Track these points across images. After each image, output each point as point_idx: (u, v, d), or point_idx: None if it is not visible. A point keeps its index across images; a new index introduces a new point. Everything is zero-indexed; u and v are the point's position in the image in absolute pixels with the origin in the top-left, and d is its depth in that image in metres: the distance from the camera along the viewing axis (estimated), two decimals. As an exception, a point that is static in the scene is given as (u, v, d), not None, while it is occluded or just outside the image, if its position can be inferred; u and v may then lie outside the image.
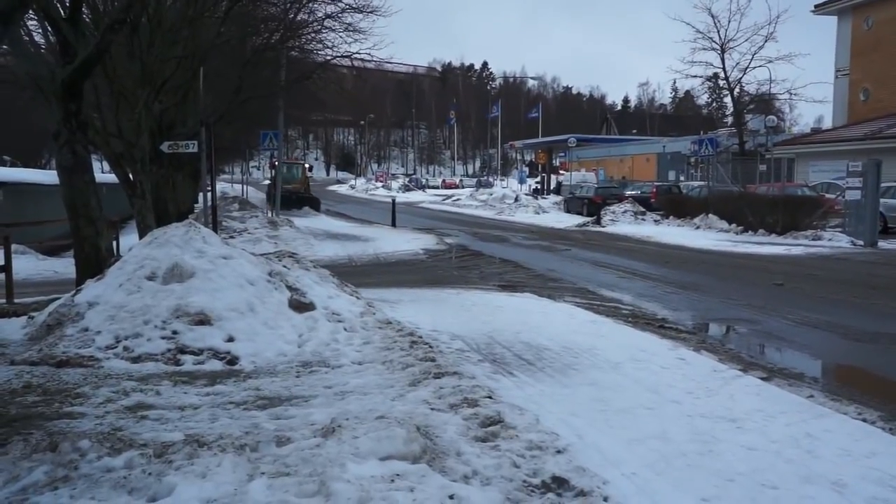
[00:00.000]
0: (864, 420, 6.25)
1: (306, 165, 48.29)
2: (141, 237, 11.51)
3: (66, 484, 4.41)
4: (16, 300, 11.45)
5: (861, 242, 21.32)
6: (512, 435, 5.28)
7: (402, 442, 4.82)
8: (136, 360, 7.42)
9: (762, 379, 7.43)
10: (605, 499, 4.42)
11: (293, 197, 38.75)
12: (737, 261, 18.72)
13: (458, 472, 4.65)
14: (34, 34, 14.31)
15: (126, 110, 14.45)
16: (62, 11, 11.82)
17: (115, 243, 15.29)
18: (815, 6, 40.32)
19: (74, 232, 11.35)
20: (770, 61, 39.14)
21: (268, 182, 46.13)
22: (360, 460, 4.62)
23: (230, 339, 7.85)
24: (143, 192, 14.63)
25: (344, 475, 4.38)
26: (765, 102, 42.71)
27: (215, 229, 16.96)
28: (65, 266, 15.49)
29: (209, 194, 19.20)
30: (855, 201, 22.19)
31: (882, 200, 22.80)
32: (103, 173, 25.25)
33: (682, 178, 49.39)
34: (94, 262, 10.90)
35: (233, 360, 7.53)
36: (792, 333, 10.01)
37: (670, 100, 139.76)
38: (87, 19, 13.00)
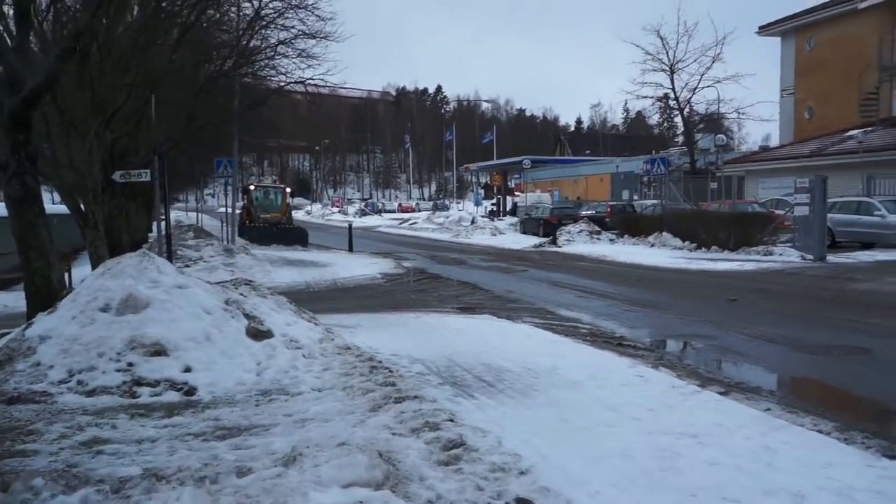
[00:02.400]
0: (820, 431, 6.35)
1: (287, 190, 37.76)
2: (94, 268, 11.31)
3: (18, 524, 4.31)
4: (-36, 336, 11.17)
5: (811, 257, 21.70)
6: (475, 457, 5.27)
7: (365, 468, 4.79)
8: (90, 393, 7.28)
9: (720, 394, 7.51)
10: (570, 519, 4.42)
11: (273, 229, 32.86)
12: (691, 277, 18.94)
13: (421, 497, 4.63)
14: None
15: (77, 140, 14.25)
16: (9, 41, 11.66)
17: (67, 275, 15.00)
18: (760, 28, 41.28)
19: (24, 265, 11.12)
20: (718, 81, 40.19)
21: (238, 210, 36.54)
22: (322, 489, 4.58)
23: (187, 370, 7.74)
24: (95, 223, 14.42)
25: (306, 504, 4.34)
26: (714, 121, 43.64)
27: (170, 258, 16.78)
28: (14, 300, 15.17)
29: (163, 223, 19.00)
30: (803, 217, 22.60)
31: (829, 216, 23.21)
32: (54, 204, 24.83)
33: (635, 197, 49.93)
34: (45, 295, 10.68)
35: (191, 391, 7.42)
36: (747, 348, 10.13)
37: (622, 120, 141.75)
38: (35, 48, 12.81)
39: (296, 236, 32.52)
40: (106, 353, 7.77)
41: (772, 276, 18.73)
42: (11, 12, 12.03)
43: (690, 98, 40.94)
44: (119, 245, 16.53)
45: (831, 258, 21.64)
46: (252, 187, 35.24)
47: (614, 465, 5.44)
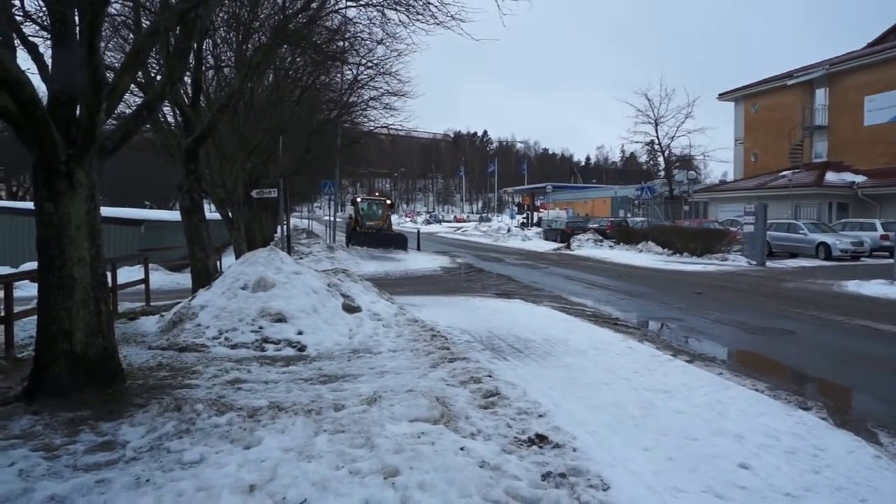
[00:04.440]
0: (756, 390, 6.24)
1: (388, 201, 32.68)
2: (237, 258, 11.61)
3: (187, 434, 4.47)
4: (151, 303, 11.54)
5: (755, 262, 21.25)
6: (506, 404, 5.28)
7: (426, 408, 4.83)
8: (233, 347, 7.46)
9: (687, 361, 7.39)
10: (574, 449, 4.42)
11: (377, 234, 28.91)
12: (668, 275, 18.62)
13: (466, 430, 4.66)
14: (167, 116, 14.56)
15: (227, 168, 14.61)
16: (186, 100, 12.05)
17: (218, 263, 15.37)
18: (719, 94, 40.87)
19: (191, 255, 11.47)
20: (690, 132, 40.54)
21: (347, 220, 33.82)
22: (395, 422, 4.63)
23: (300, 333, 7.87)
24: (238, 226, 14.76)
25: (383, 432, 4.40)
26: (686, 161, 43.09)
27: (289, 252, 17.07)
28: (184, 279, 15.60)
29: (285, 227, 19.32)
30: (750, 233, 22.24)
31: (768, 233, 22.86)
32: (211, 213, 25.43)
33: (629, 215, 49.10)
34: (204, 277, 10.99)
35: (302, 348, 7.55)
36: (708, 328, 9.94)
37: (620, 158, 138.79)
38: (203, 104, 13.20)
39: (397, 241, 28.36)
40: (244, 319, 7.95)
41: (727, 276, 18.31)
42: (189, 81, 12.45)
43: (670, 143, 40.67)
44: (254, 242, 16.89)
45: (769, 264, 21.12)
46: (359, 199, 31.61)
47: (608, 412, 5.42)
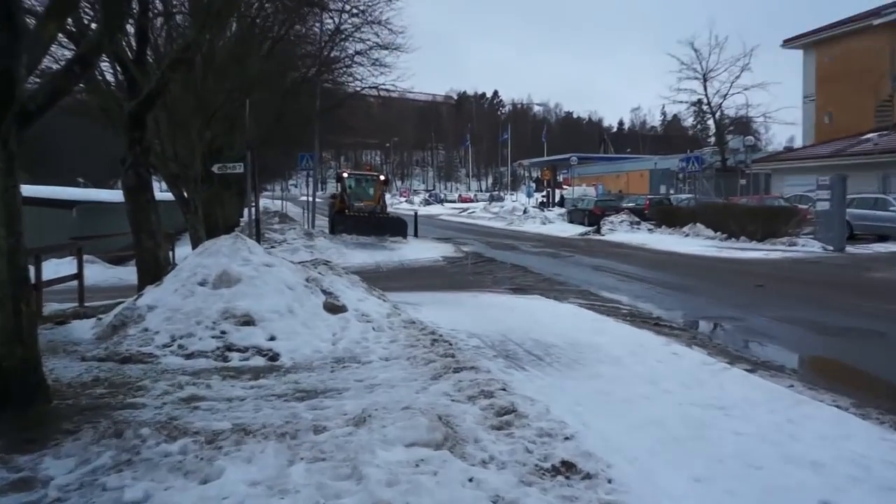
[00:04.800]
0: (839, 407, 6.16)
1: (381, 177, 31.25)
2: (194, 248, 11.52)
3: (129, 467, 4.40)
4: (86, 304, 11.49)
5: (831, 247, 21.10)
6: (524, 423, 5.21)
7: (426, 430, 4.78)
8: (189, 356, 7.41)
9: (747, 371, 7.34)
10: (609, 481, 4.35)
11: (369, 219, 27.69)
12: (722, 265, 18.55)
13: (476, 457, 4.59)
14: (106, 73, 14.45)
15: (182, 137, 14.52)
16: (129, 53, 11.95)
17: (171, 253, 15.32)
18: (784, 41, 40.29)
19: (136, 244, 11.42)
20: (746, 88, 39.63)
21: (330, 199, 32.98)
22: (388, 447, 4.57)
23: (272, 338, 7.82)
24: (195, 209, 14.69)
25: (374, 460, 4.34)
26: (743, 124, 42.81)
27: (258, 240, 16.99)
28: (128, 274, 15.56)
29: (253, 209, 19.27)
30: (824, 211, 22.06)
31: (848, 210, 22.60)
32: (161, 192, 25.37)
33: (671, 192, 49.02)
34: (153, 270, 10.94)
35: (274, 357, 7.50)
36: (772, 329, 9.88)
37: (660, 122, 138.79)
38: (151, 59, 13.08)
39: (393, 227, 27.11)
40: (203, 322, 7.90)
41: (795, 264, 18.24)
42: (132, 30, 12.33)
43: (721, 103, 40.38)
44: (215, 228, 16.85)
45: (850, 249, 20.99)
46: (345, 174, 30.61)
47: (650, 434, 5.35)
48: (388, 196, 31.36)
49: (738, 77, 38.32)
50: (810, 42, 38.80)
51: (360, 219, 27.50)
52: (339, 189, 30.38)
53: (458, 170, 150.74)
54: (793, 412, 5.87)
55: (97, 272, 16.67)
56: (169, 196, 17.11)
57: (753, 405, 6.05)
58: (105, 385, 6.43)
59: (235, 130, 20.00)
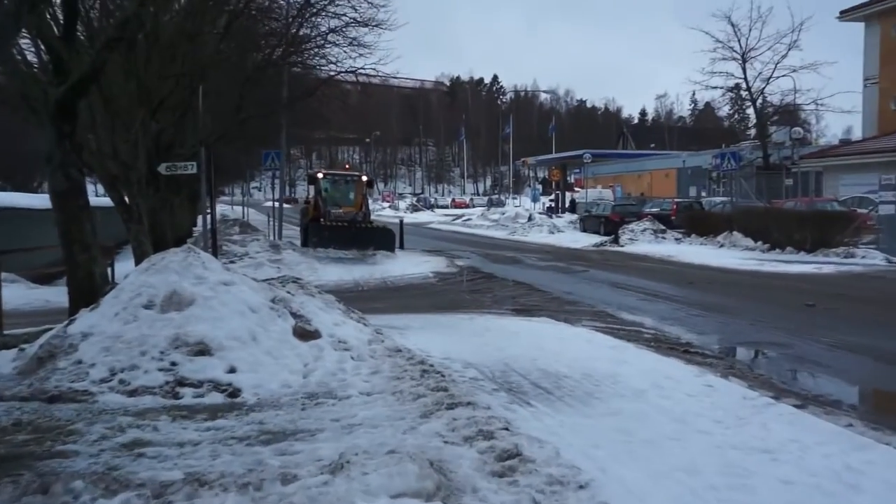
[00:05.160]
0: (908, 451, 6.17)
1: (364, 178, 30.40)
2: (137, 263, 11.49)
3: (58, 528, 4.37)
4: (5, 332, 11.40)
5: (896, 259, 21.17)
6: (531, 469, 5.21)
7: (415, 478, 4.76)
8: (132, 393, 7.36)
9: (796, 407, 7.36)
10: (633, 538, 4.35)
11: (350, 229, 26.54)
12: (764, 280, 18.61)
13: (474, 510, 4.59)
14: (27, 53, 14.39)
15: (122, 131, 14.50)
16: (56, 29, 11.88)
17: (110, 270, 15.26)
18: (841, 12, 40.24)
19: (67, 259, 11.33)
20: (794, 70, 39.04)
21: (302, 205, 32.22)
22: (370, 498, 4.56)
23: (232, 370, 7.79)
24: (139, 216, 14.65)
25: (353, 515, 4.33)
26: (789, 113, 42.61)
27: (215, 254, 17.00)
28: (57, 295, 15.46)
29: (209, 217, 19.26)
30: (889, 216, 22.07)
31: (919, 215, 22.58)
32: (98, 197, 25.35)
33: (703, 194, 49.28)
34: (88, 291, 10.87)
35: (235, 393, 7.47)
36: (826, 357, 9.90)
37: (689, 112, 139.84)
38: (82, 37, 13.05)
39: (380, 238, 26.29)
40: (149, 352, 7.85)
41: (853, 279, 18.30)
42: (59, 0, 12.27)
43: (764, 88, 40.14)
44: (163, 240, 16.79)
45: (920, 262, 21.09)
46: (320, 175, 29.89)
47: (680, 482, 5.35)
48: (368, 201, 30.62)
49: (784, 56, 38.16)
50: (874, 12, 38.42)
51: (339, 229, 26.47)
52: (314, 193, 29.64)
53: (451, 170, 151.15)
54: (852, 457, 5.87)
55: (18, 293, 16.56)
56: (107, 202, 17.07)
57: (804, 448, 6.05)
58: (28, 430, 6.36)
59: (187, 123, 19.98)
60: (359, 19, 20.36)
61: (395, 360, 8.59)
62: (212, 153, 17.87)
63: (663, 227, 31.17)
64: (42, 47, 13.00)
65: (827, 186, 37.01)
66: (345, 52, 21.95)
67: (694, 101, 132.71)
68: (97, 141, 14.59)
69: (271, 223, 32.96)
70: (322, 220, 27.19)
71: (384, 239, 26.31)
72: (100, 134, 14.63)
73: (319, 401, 7.25)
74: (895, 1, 37.30)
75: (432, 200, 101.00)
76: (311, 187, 30.78)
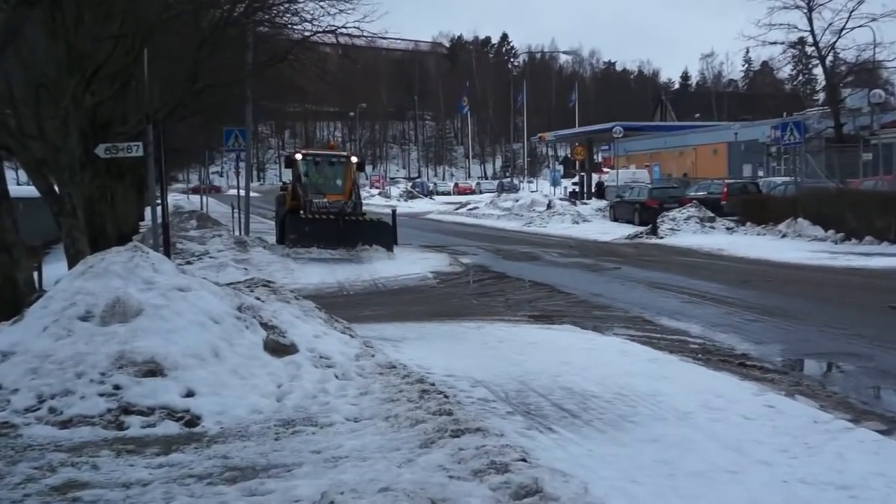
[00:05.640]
0: None
1: (353, 159, 29.44)
2: (71, 266, 11.48)
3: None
4: None
5: None
6: (555, 510, 5.20)
7: (413, 522, 4.75)
8: (65, 424, 7.34)
9: (881, 432, 7.34)
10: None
11: (338, 222, 25.78)
12: (838, 277, 18.62)
13: (486, 560, 4.58)
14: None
15: (49, 105, 14.46)
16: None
17: (36, 275, 15.25)
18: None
19: (-16, 261, 11.35)
20: (874, 19, 38.58)
21: (280, 192, 31.70)
22: (358, 548, 4.55)
23: (189, 394, 7.79)
24: (72, 209, 14.61)
25: (338, 568, 4.32)
26: (868, 72, 42.21)
27: (168, 253, 17.00)
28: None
29: (159, 209, 19.25)
30: None
31: None
32: (20, 185, 25.37)
33: (760, 174, 49.25)
34: (9, 300, 10.89)
35: (193, 421, 7.46)
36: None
37: (742, 74, 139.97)
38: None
39: (374, 233, 25.82)
40: (86, 374, 7.83)
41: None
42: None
43: (835, 42, 39.79)
44: (103, 236, 16.83)
45: None
46: (299, 157, 28.64)
47: (738, 524, 5.34)
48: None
49: (860, 2, 37.95)
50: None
51: (324, 223, 25.71)
52: (292, 179, 28.90)
53: (452, 149, 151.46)
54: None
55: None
56: (32, 191, 17.06)
57: (891, 484, 6.05)
58: (-68, 473, 6.38)
59: (129, 96, 20.00)
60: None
61: (389, 378, 8.61)
62: (161, 131, 17.88)
63: (711, 215, 31.15)
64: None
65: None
66: (321, 7, 22.01)
67: (748, 61, 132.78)
68: (17, 118, 14.54)
69: (236, 215, 32.93)
70: (302, 212, 26.35)
71: (380, 235, 25.77)
72: (20, 109, 14.59)
73: (297, 429, 7.25)
74: None
75: (431, 186, 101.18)
76: (290, 172, 29.72)
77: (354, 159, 29.42)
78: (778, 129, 34.28)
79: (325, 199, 26.40)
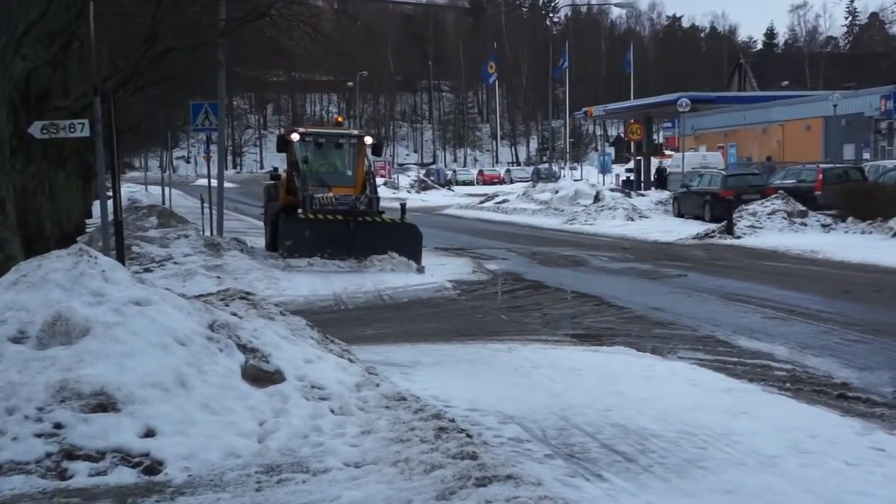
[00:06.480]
0: None
1: (367, 140, 27.83)
2: (0, 275, 11.57)
3: None
4: None
5: None
6: (606, 577, 5.22)
7: None
8: (-5, 471, 7.39)
9: None
10: None
11: (345, 222, 24.59)
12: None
13: None
14: None
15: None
16: None
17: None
18: None
19: None
20: None
21: (269, 187, 30.44)
22: None
23: (149, 434, 7.79)
24: (1, 204, 14.69)
25: None
26: None
27: (122, 259, 17.03)
28: None
29: (110, 203, 19.32)
30: None
31: None
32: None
33: (866, 156, 49.09)
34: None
35: (154, 467, 7.47)
36: None
37: (845, 30, 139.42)
38: None
39: (397, 240, 24.52)
40: (19, 409, 7.85)
41: None
42: None
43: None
44: (40, 237, 16.91)
45: None
46: (296, 136, 26.97)
47: None
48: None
49: None
50: None
51: (330, 225, 24.66)
52: (287, 166, 27.91)
53: (476, 127, 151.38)
54: None
55: None
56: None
57: None
58: None
59: (72, 61, 20.07)
60: None
61: (398, 412, 8.61)
62: (112, 106, 17.91)
63: (803, 208, 31.11)
64: None
65: None
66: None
67: (851, 13, 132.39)
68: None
69: (206, 211, 32.91)
70: (300, 210, 25.18)
71: (404, 241, 24.46)
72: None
73: (283, 477, 7.24)
74: None
75: (449, 174, 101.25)
76: (285, 155, 28.19)
77: (369, 140, 28.05)
78: (890, 99, 34.19)
79: (331, 193, 25.12)
